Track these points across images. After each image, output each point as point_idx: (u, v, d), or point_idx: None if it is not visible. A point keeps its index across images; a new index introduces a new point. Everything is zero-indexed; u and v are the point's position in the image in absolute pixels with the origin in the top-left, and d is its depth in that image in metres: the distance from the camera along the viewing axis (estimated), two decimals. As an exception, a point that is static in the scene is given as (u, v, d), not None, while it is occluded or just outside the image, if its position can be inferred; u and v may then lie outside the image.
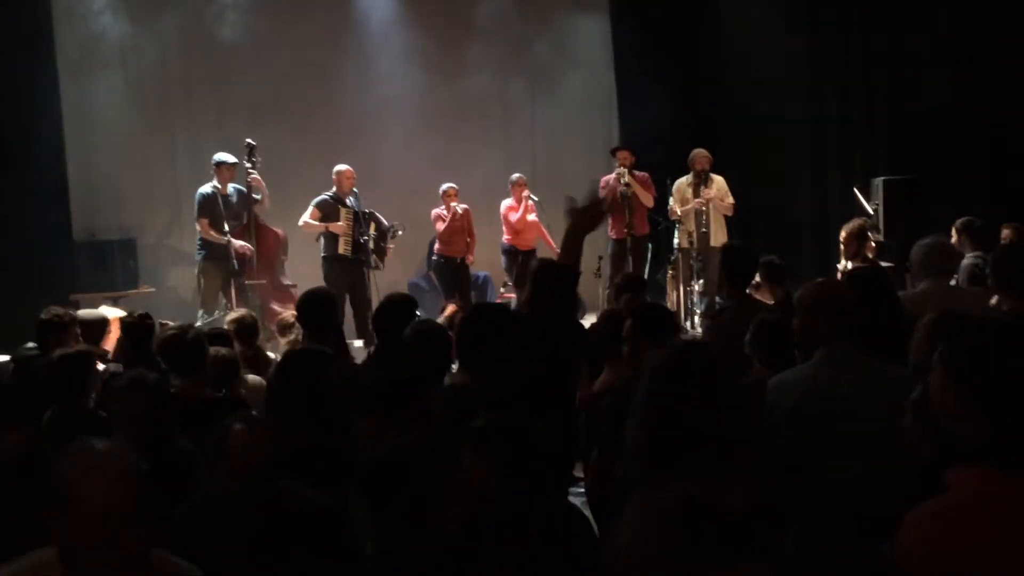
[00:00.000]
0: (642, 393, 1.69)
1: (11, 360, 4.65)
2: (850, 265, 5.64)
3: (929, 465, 1.67)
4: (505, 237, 8.33)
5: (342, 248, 7.41)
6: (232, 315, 4.95)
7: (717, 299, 6.75)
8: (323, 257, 7.51)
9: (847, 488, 2.33)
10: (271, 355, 4.94)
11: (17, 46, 7.44)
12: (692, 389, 1.62)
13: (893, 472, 2.14)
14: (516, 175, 8.29)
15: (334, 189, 7.54)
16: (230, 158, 7.30)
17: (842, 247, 5.83)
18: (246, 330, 4.59)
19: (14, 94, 7.43)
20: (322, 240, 7.55)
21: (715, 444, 1.58)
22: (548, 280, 2.87)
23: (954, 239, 5.69)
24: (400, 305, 4.07)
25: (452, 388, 2.85)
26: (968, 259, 5.09)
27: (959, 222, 5.78)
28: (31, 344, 4.56)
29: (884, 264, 5.79)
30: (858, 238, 5.72)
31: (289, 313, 5.49)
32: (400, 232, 7.74)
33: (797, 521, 2.42)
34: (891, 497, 1.95)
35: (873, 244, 5.96)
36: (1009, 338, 1.68)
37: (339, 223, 7.40)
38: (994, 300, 4.03)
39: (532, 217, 8.26)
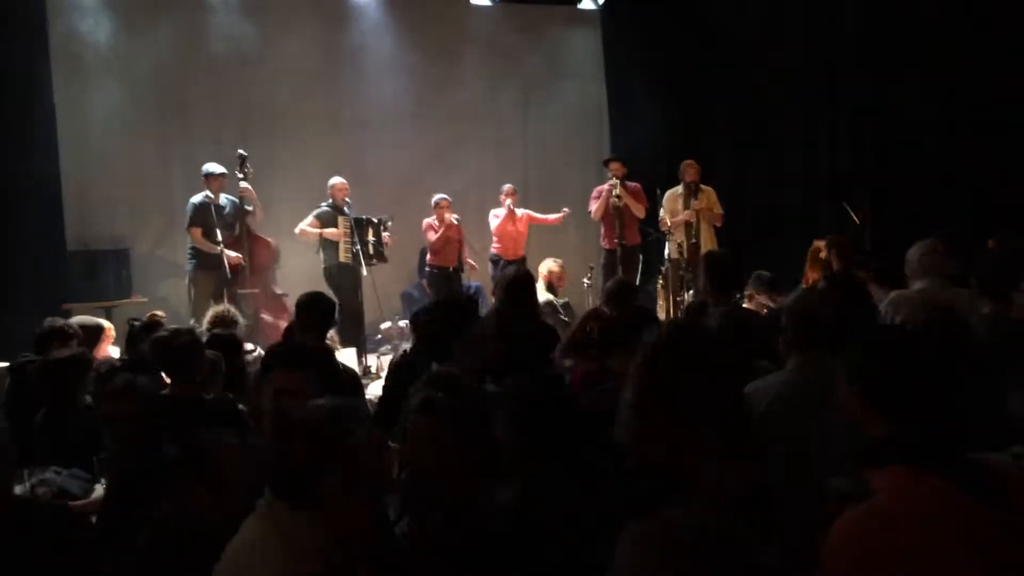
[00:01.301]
0: (636, 365, 1.87)
1: (8, 368, 4.68)
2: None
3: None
4: (492, 247, 8.41)
5: (343, 256, 7.50)
6: (210, 311, 5.00)
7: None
8: (324, 268, 7.58)
9: (814, 491, 2.38)
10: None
11: (12, 56, 7.46)
12: (685, 358, 1.81)
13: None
14: (506, 185, 8.37)
15: (329, 200, 7.64)
16: (219, 168, 7.35)
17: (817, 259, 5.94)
18: (223, 324, 4.68)
19: (8, 103, 7.44)
20: (322, 251, 7.62)
21: (703, 410, 1.75)
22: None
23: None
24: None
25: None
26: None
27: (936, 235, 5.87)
28: (28, 355, 4.60)
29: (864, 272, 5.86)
30: (836, 250, 5.83)
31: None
32: (390, 222, 7.81)
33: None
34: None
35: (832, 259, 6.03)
36: (902, 343, 1.77)
37: (334, 230, 7.49)
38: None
39: (519, 227, 8.34)
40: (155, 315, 5.77)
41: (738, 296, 5.26)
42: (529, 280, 4.38)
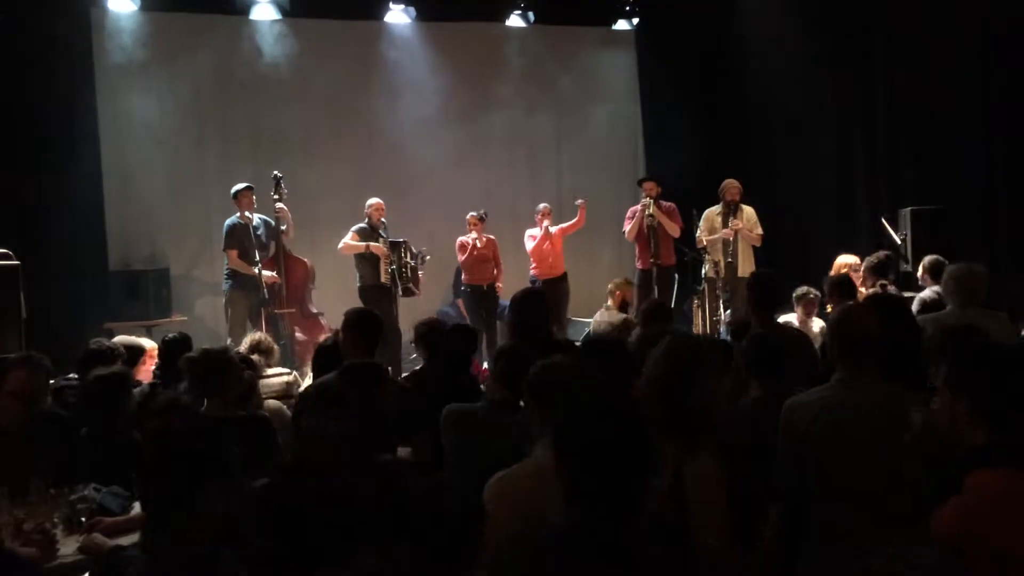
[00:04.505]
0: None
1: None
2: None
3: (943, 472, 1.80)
4: (531, 268, 8.39)
5: (383, 277, 7.54)
6: (248, 338, 5.06)
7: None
8: (360, 287, 7.62)
9: (859, 506, 2.35)
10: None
11: (56, 77, 7.67)
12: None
13: (902, 490, 2.19)
14: (541, 205, 8.37)
15: (366, 220, 7.70)
16: (242, 184, 7.46)
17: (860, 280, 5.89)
18: (260, 352, 4.74)
19: (54, 127, 7.65)
20: (357, 271, 7.67)
21: None
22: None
23: (920, 274, 5.74)
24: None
25: None
26: (927, 292, 5.13)
27: (927, 260, 5.76)
28: (72, 375, 4.69)
29: (908, 294, 5.77)
30: (874, 271, 5.77)
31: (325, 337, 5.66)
32: (427, 258, 7.86)
33: (810, 535, 2.45)
34: (900, 514, 2.03)
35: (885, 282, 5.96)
36: (1007, 354, 1.89)
37: (379, 245, 7.55)
38: None
39: (555, 245, 8.31)
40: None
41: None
42: (535, 297, 4.31)
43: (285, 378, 4.87)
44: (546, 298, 4.46)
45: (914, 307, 4.73)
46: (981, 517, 1.69)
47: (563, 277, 8.31)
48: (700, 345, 2.54)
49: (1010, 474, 1.73)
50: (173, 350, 4.29)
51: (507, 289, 8.50)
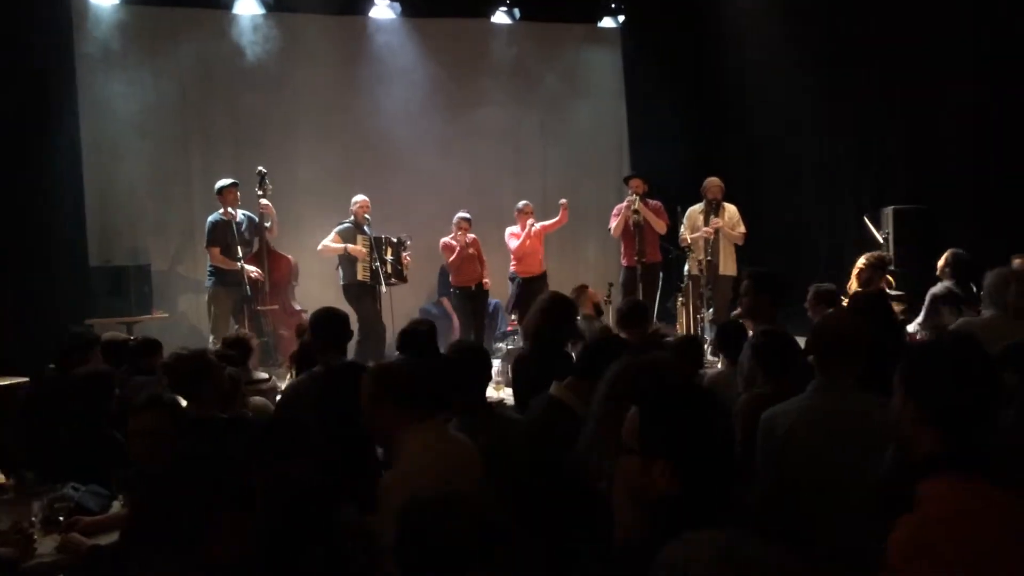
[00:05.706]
0: None
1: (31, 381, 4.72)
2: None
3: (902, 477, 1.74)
4: (511, 264, 8.35)
5: (360, 275, 7.51)
6: (228, 335, 5.02)
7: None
8: (343, 285, 7.59)
9: (836, 513, 2.35)
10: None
11: (37, 70, 7.56)
12: None
13: (880, 498, 2.18)
14: (522, 202, 8.33)
15: (352, 218, 7.66)
16: (227, 180, 7.43)
17: (855, 274, 5.88)
18: (235, 348, 4.69)
19: (34, 120, 7.55)
20: (340, 269, 7.64)
21: None
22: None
23: (941, 263, 5.76)
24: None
25: None
26: (939, 287, 5.12)
27: (949, 253, 5.77)
28: (52, 365, 4.64)
29: (894, 294, 5.80)
30: (874, 268, 5.78)
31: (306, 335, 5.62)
32: (409, 241, 7.82)
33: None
34: (879, 523, 2.01)
35: (889, 279, 6.00)
36: (956, 354, 1.78)
37: (357, 246, 7.51)
38: None
39: (536, 243, 8.28)
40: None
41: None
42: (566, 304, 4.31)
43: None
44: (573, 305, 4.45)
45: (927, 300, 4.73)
46: (933, 535, 1.59)
47: (543, 276, 8.27)
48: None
49: (962, 486, 1.63)
50: (114, 352, 4.24)
51: (490, 289, 8.49)
